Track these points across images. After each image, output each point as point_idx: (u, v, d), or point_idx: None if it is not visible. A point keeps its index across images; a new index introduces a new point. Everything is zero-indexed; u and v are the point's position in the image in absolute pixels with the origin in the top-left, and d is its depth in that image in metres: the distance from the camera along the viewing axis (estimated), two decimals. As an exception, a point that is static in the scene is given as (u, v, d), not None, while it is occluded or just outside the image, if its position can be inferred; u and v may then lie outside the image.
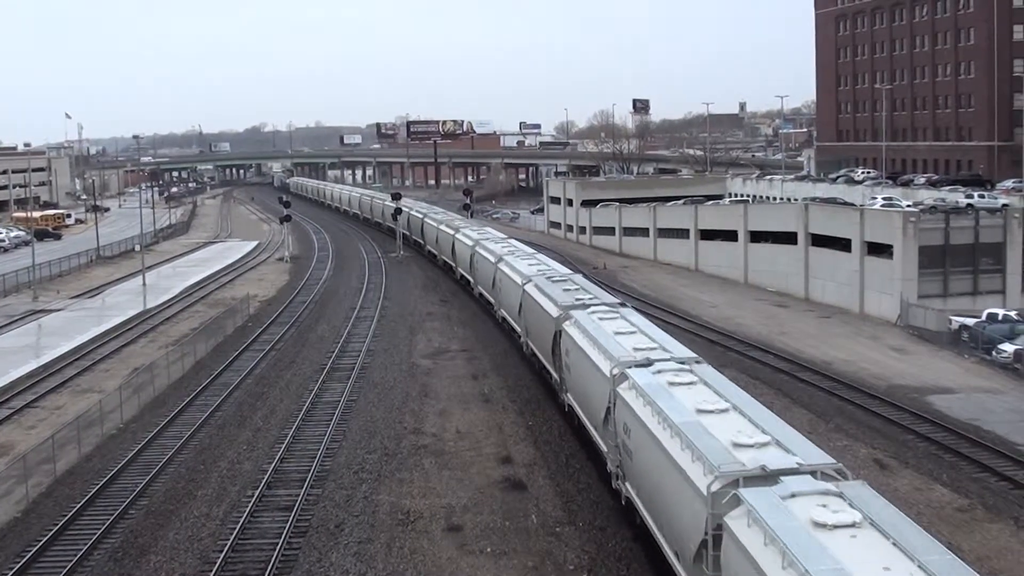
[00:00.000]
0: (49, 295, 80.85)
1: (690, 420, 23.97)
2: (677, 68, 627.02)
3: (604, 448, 31.32)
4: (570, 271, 54.35)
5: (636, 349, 31.64)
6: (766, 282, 78.84)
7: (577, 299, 41.64)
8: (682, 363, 29.90)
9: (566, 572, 27.24)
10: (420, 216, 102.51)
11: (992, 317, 57.07)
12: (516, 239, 74.28)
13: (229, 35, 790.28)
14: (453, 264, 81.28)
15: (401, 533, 29.86)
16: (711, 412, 24.64)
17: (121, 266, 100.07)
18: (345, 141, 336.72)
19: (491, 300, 62.05)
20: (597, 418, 32.03)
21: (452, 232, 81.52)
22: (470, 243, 71.98)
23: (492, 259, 61.20)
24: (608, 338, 33.45)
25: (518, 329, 51.47)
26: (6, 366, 53.55)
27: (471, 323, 63.85)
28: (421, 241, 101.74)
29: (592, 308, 39.51)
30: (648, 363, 29.72)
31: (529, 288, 47.83)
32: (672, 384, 27.33)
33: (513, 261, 57.06)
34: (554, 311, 40.92)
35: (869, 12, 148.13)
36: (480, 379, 48.91)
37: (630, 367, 29.37)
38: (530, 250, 64.43)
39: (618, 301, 42.27)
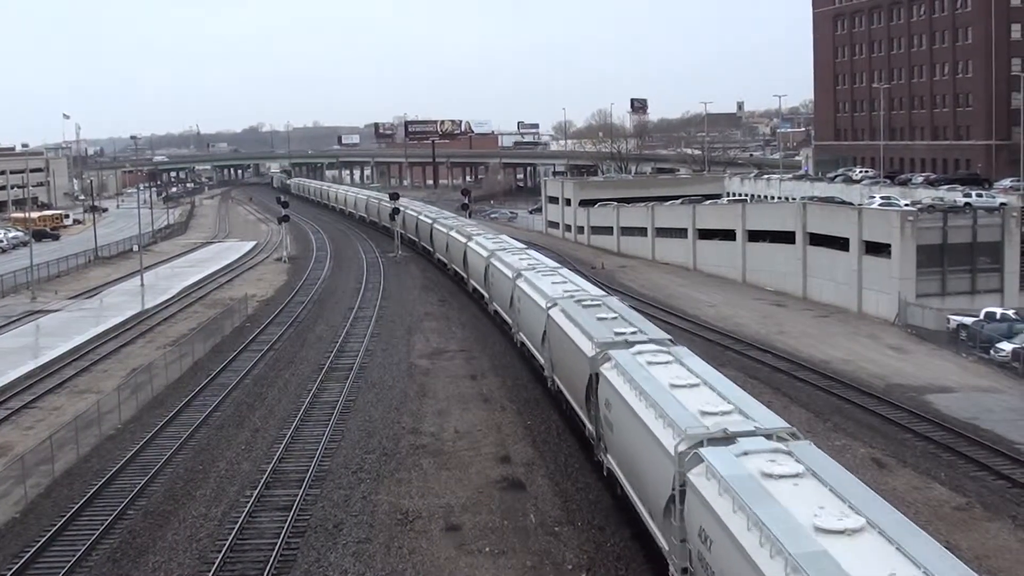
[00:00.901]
0: (47, 296, 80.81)
1: (813, 550, 17.04)
2: (675, 68, 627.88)
3: (665, 545, 24.25)
4: (603, 292, 46.16)
5: (705, 413, 24.51)
6: (764, 281, 78.86)
7: (617, 333, 34.49)
8: (774, 438, 22.58)
9: (565, 571, 27.24)
10: (429, 221, 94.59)
11: (990, 316, 57.09)
12: (537, 251, 65.49)
13: (226, 35, 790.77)
14: (465, 275, 74.00)
15: (400, 533, 29.87)
16: (839, 533, 17.66)
17: (119, 266, 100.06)
18: (343, 141, 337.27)
19: (508, 320, 54.57)
20: (654, 504, 24.85)
21: (464, 240, 74.09)
22: (484, 253, 64.02)
23: (510, 274, 53.56)
24: (665, 394, 26.33)
25: (540, 360, 44.26)
26: (4, 367, 53.52)
27: (470, 323, 63.82)
28: (430, 248, 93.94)
29: (637, 347, 32.19)
30: (728, 438, 22.52)
31: (555, 314, 40.50)
32: (769, 477, 20.03)
33: (534, 278, 49.19)
34: (589, 348, 33.70)
35: (867, 11, 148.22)
36: (479, 379, 48.89)
37: (704, 445, 22.35)
38: (553, 263, 57.28)
39: (667, 337, 34.54)
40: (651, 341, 33.43)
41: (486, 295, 63.61)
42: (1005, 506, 31.93)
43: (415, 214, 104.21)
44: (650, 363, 29.82)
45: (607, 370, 30.91)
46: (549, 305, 42.01)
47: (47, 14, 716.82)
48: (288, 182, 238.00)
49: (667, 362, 30.05)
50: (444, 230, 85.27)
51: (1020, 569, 27.25)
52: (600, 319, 37.06)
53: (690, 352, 31.77)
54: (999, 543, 28.93)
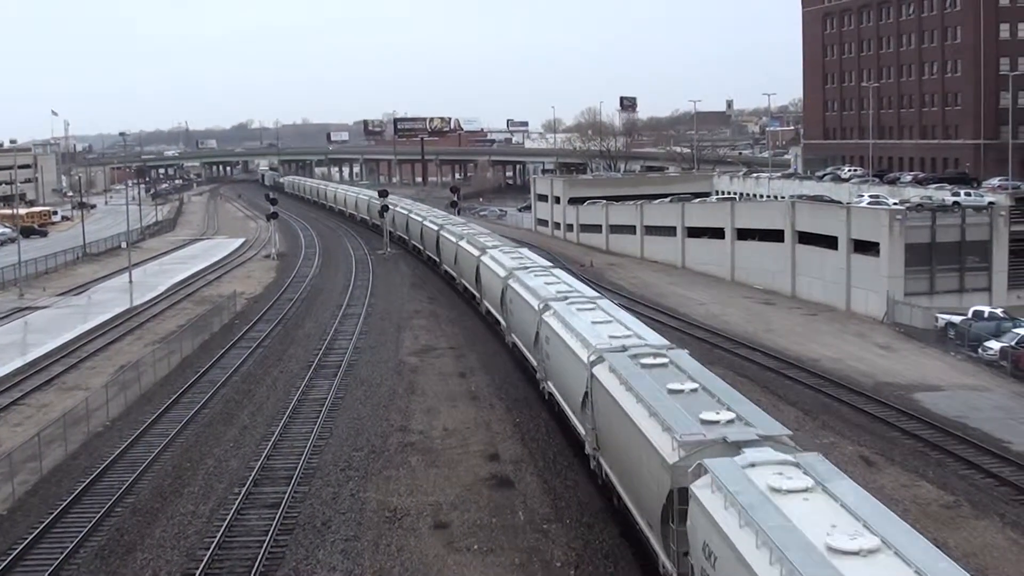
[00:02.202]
0: (35, 292, 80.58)
1: None
2: (665, 66, 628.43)
3: None
4: (664, 341, 33.66)
5: None
6: (753, 280, 78.97)
7: (706, 421, 23.53)
8: None
9: (553, 569, 27.23)
10: (435, 228, 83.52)
11: (978, 314, 57.29)
12: (565, 272, 53.95)
13: (215, 33, 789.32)
14: (477, 295, 63.37)
15: (388, 531, 29.84)
16: None
17: (107, 263, 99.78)
18: (332, 138, 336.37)
19: (532, 362, 43.84)
20: None
21: (477, 253, 63.29)
22: (502, 273, 53.14)
23: (535, 304, 42.53)
24: (826, 572, 16.03)
25: (580, 429, 33.64)
26: (-9, 363, 53.40)
27: (459, 321, 63.77)
28: (436, 259, 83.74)
29: (748, 453, 21.21)
30: None
31: (603, 374, 29.77)
32: None
33: (568, 313, 38.13)
34: (668, 448, 22.92)
35: (856, 10, 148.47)
36: (467, 376, 48.85)
37: None
38: (590, 292, 46.06)
39: (785, 431, 23.28)
40: (764, 439, 22.24)
41: (503, 323, 52.81)
42: (993, 504, 32.05)
43: (419, 219, 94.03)
44: (775, 489, 18.96)
45: (703, 491, 20.20)
46: (593, 358, 31.37)
47: (36, 13, 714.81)
48: (281, 180, 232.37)
49: (805, 489, 19.07)
50: (453, 239, 73.94)
51: (1008, 566, 27.36)
52: (674, 392, 26.13)
53: (834, 469, 20.45)
54: (987, 541, 29.02)
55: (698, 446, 22.09)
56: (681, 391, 26.18)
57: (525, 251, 62.92)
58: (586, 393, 31.82)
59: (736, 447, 21.71)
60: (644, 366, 28.89)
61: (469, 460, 36.20)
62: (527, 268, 52.43)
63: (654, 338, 34.09)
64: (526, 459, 36.16)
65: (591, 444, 31.69)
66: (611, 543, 28.43)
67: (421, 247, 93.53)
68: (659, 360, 29.52)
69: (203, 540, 29.40)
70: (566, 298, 41.78)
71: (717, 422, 23.41)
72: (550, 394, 39.76)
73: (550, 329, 38.49)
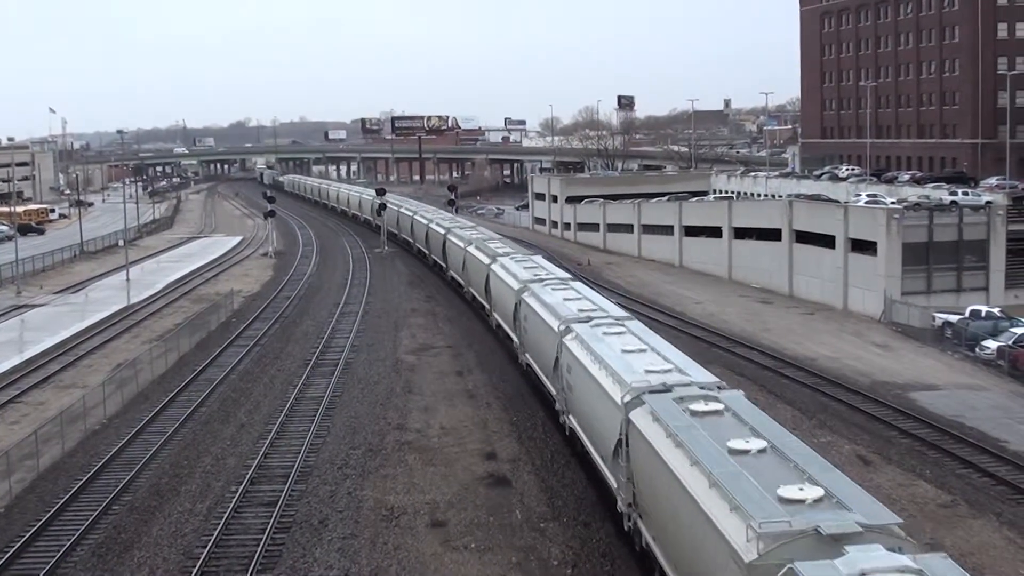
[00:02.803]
0: (32, 290, 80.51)
1: None
2: (663, 66, 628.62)
3: None
4: (717, 380, 27.87)
5: None
6: (750, 278, 78.97)
7: (787, 499, 18.48)
8: None
9: (550, 567, 27.23)
10: (441, 232, 78.40)
11: (975, 314, 57.33)
12: (584, 285, 48.72)
13: (213, 31, 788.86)
14: (487, 305, 58.29)
15: (385, 529, 29.84)
16: None
17: (105, 261, 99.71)
18: (330, 136, 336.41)
19: (551, 390, 38.53)
20: None
21: (487, 261, 58.03)
22: (515, 285, 47.61)
23: (555, 324, 37.08)
24: None
25: (611, 482, 28.39)
26: (-12, 361, 53.33)
27: (456, 320, 63.75)
28: (443, 264, 78.25)
29: (851, 549, 16.51)
30: None
31: (643, 422, 24.82)
32: None
33: (595, 340, 32.65)
34: (741, 538, 17.96)
35: (854, 9, 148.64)
36: (465, 375, 48.85)
37: None
38: (618, 311, 39.28)
39: (896, 519, 18.06)
40: (869, 530, 17.14)
41: (516, 340, 47.73)
42: (989, 503, 32.07)
43: (425, 222, 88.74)
44: None
45: None
46: (629, 399, 26.30)
47: (36, 13, 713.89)
48: (281, 179, 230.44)
49: None
50: (460, 244, 69.28)
51: (1004, 565, 27.38)
52: (737, 452, 21.08)
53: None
54: (983, 540, 29.05)
55: (783, 539, 16.92)
56: (747, 451, 21.01)
57: (539, 259, 57.24)
58: (620, 441, 26.76)
59: (834, 542, 16.60)
60: (694, 414, 23.79)
61: (466, 459, 36.20)
62: (543, 280, 47.03)
63: (700, 374, 28.30)
64: (523, 458, 36.16)
65: (625, 501, 26.66)
66: (608, 542, 28.44)
67: (426, 251, 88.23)
68: (712, 406, 24.39)
69: (200, 538, 29.41)
70: (590, 319, 36.39)
71: (802, 502, 18.20)
72: (571, 429, 34.86)
73: (573, 357, 33.36)
